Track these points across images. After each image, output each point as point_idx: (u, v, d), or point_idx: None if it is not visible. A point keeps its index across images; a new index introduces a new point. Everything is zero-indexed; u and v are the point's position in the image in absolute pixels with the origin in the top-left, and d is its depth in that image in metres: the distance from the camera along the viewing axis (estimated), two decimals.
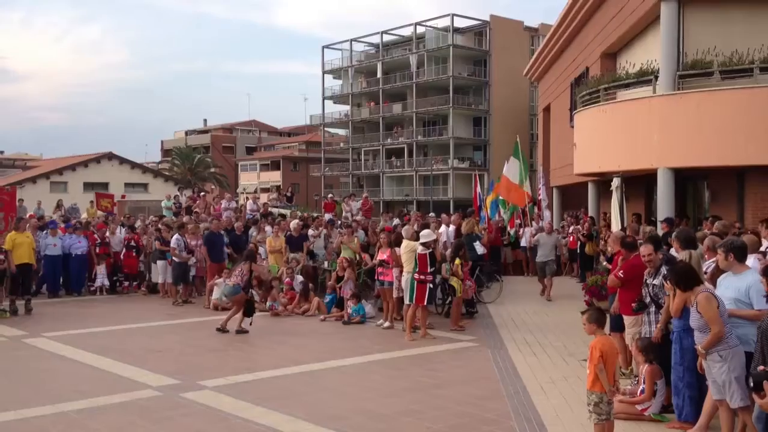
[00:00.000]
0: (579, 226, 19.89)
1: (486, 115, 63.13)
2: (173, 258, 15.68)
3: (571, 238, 19.82)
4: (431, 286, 11.33)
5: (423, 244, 11.32)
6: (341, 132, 77.02)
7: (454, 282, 12.21)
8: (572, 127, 22.32)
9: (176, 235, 15.85)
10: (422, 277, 11.22)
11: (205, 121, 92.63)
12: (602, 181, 21.22)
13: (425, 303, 11.29)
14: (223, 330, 11.90)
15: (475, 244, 14.31)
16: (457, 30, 62.22)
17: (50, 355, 10.20)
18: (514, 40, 61.95)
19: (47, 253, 16.36)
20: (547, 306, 14.77)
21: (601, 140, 18.77)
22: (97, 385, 8.39)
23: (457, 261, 12.34)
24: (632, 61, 19.06)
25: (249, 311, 12.07)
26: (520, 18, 69.34)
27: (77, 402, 7.56)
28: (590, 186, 23.18)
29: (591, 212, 22.44)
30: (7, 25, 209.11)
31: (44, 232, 16.86)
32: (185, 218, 19.06)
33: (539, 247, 16.33)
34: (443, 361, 9.78)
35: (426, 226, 13.12)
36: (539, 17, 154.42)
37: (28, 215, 19.38)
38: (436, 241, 11.93)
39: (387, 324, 12.37)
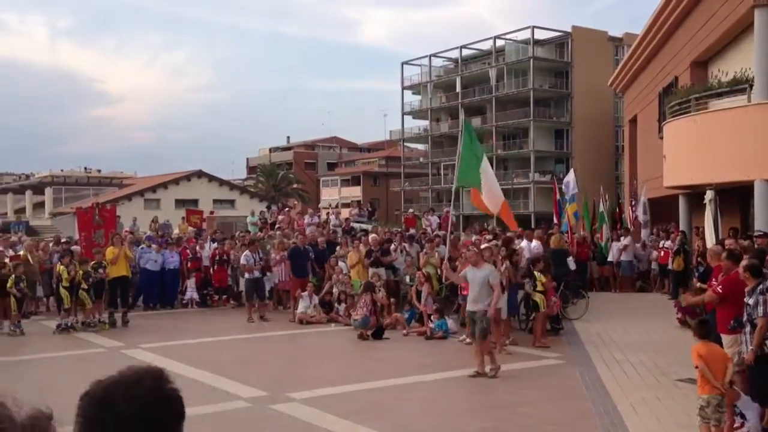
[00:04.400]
0: (670, 241, 19.18)
1: (568, 127, 61.90)
2: (245, 274, 15.97)
3: (662, 252, 19.15)
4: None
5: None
6: (420, 147, 77.22)
7: (537, 297, 12.01)
8: (661, 138, 21.63)
9: (246, 252, 16.08)
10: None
11: (288, 138, 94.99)
12: (694, 193, 20.41)
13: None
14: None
15: (568, 259, 13.98)
16: (537, 42, 61.46)
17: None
18: (597, 50, 60.61)
19: (147, 267, 17.11)
20: (638, 323, 14.26)
21: (693, 151, 18.09)
22: (190, 395, 8.62)
23: (538, 276, 12.14)
24: (725, 69, 18.34)
25: (378, 334, 12.85)
26: (604, 28, 67.66)
27: None
28: (681, 199, 22.33)
29: (682, 226, 21.59)
30: (104, 51, 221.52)
31: (140, 247, 17.67)
32: (271, 233, 19.54)
33: (470, 286, 10.16)
34: (528, 379, 9.62)
35: (510, 240, 12.99)
36: (623, 27, 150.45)
37: (124, 231, 20.38)
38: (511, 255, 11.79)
39: (469, 340, 12.27)
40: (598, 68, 56.94)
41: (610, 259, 20.36)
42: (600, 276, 21.16)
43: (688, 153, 18.40)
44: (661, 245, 19.95)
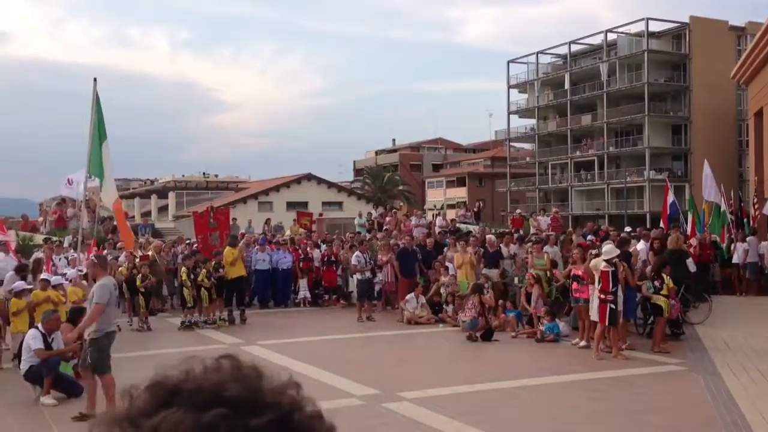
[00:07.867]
0: None
1: (686, 122, 58.84)
2: (356, 275, 16.21)
3: None
4: (613, 306, 10.74)
5: (606, 260, 10.85)
6: (527, 146, 75.80)
7: (661, 301, 11.49)
8: None
9: (357, 252, 16.35)
10: (603, 296, 10.77)
11: (394, 140, 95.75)
12: None
13: (606, 323, 10.80)
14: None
15: (687, 261, 13.32)
16: (652, 34, 58.85)
17: (264, 362, 11.03)
18: (718, 41, 57.31)
19: (258, 267, 17.79)
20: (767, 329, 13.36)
21: None
22: (306, 391, 8.96)
23: (667, 280, 11.61)
24: None
25: (488, 335, 12.68)
26: (724, 17, 63.82)
27: None
28: None
29: None
30: (220, 61, 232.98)
31: (254, 248, 18.38)
32: (379, 234, 19.81)
33: None
34: (647, 385, 9.23)
35: (625, 242, 12.54)
36: (746, 15, 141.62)
37: (239, 233, 21.24)
38: (628, 257, 11.37)
39: (583, 343, 11.92)
40: (719, 59, 53.85)
41: (735, 260, 19.20)
42: (723, 278, 19.98)
43: None
44: None
